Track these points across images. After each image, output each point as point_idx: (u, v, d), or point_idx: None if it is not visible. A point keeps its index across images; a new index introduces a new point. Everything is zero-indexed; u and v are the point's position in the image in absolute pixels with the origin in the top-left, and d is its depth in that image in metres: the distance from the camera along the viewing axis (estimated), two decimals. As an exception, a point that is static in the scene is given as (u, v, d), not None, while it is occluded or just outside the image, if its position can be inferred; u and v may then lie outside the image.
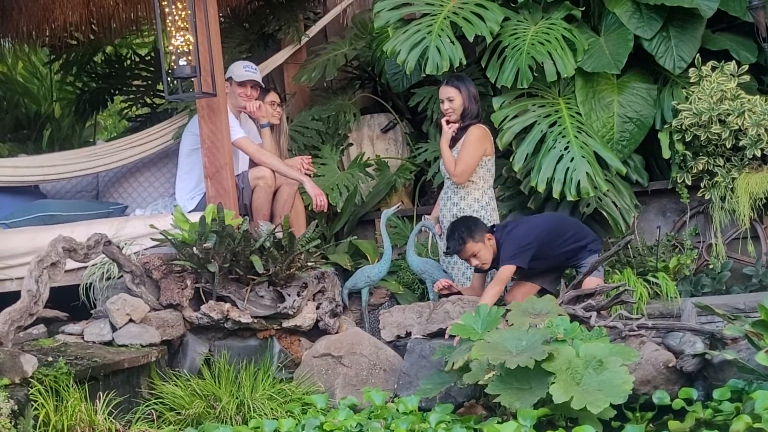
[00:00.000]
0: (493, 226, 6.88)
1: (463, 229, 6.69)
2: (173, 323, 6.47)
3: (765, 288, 7.20)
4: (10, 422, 4.39)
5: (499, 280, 6.60)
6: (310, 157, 7.96)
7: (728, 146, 7.36)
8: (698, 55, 7.58)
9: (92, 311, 6.50)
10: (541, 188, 7.31)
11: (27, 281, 5.55)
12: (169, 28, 6.74)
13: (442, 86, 7.34)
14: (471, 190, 7.18)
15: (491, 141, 7.31)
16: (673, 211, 7.82)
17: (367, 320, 7.31)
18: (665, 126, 7.58)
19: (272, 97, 8.02)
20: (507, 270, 6.62)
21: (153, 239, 6.84)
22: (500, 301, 6.64)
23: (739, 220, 7.34)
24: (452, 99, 7.23)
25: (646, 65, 7.77)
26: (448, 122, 7.25)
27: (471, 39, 7.58)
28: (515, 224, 6.87)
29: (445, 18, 7.68)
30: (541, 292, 6.80)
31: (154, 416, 5.76)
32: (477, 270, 6.92)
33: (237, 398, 5.99)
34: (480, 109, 7.32)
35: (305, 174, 7.58)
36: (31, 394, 4.83)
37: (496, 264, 6.77)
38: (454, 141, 7.25)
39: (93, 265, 6.75)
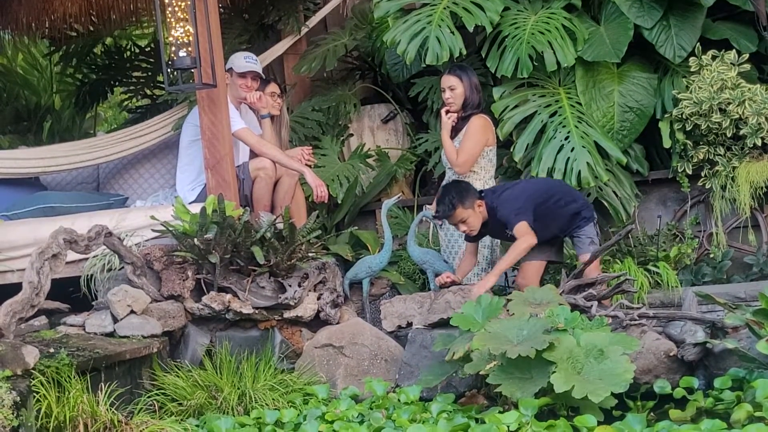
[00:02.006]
0: (482, 191, 6.86)
1: (454, 194, 6.66)
2: (174, 314, 6.47)
3: (766, 277, 7.20)
4: (13, 413, 4.40)
5: (523, 237, 6.54)
6: (310, 147, 7.95)
7: (729, 135, 7.36)
8: (698, 44, 7.57)
9: (93, 303, 6.51)
10: (542, 178, 7.32)
11: (28, 273, 5.55)
12: (168, 19, 6.73)
13: (444, 75, 7.35)
14: (472, 180, 7.17)
15: (493, 131, 7.31)
16: (674, 201, 7.82)
17: (368, 310, 7.32)
18: (666, 115, 7.58)
19: (272, 88, 8.01)
20: (523, 226, 6.56)
21: (154, 230, 6.84)
22: (500, 291, 6.64)
23: (740, 209, 7.34)
24: (454, 88, 7.23)
25: (647, 54, 7.77)
26: (447, 112, 7.25)
27: (471, 29, 7.59)
28: (505, 187, 6.87)
29: (444, 8, 7.68)
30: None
31: (156, 407, 5.76)
32: (468, 239, 6.92)
33: (238, 389, 5.99)
34: (482, 99, 7.32)
35: (306, 165, 7.57)
36: (33, 385, 4.82)
37: (486, 231, 6.79)
38: (455, 131, 7.25)
39: (94, 257, 6.76)
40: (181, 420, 5.65)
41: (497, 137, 7.44)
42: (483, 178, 7.21)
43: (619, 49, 7.55)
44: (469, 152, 7.13)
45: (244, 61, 7.74)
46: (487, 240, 7.20)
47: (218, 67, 7.05)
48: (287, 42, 8.98)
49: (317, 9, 9.20)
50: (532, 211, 6.63)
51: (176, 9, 6.74)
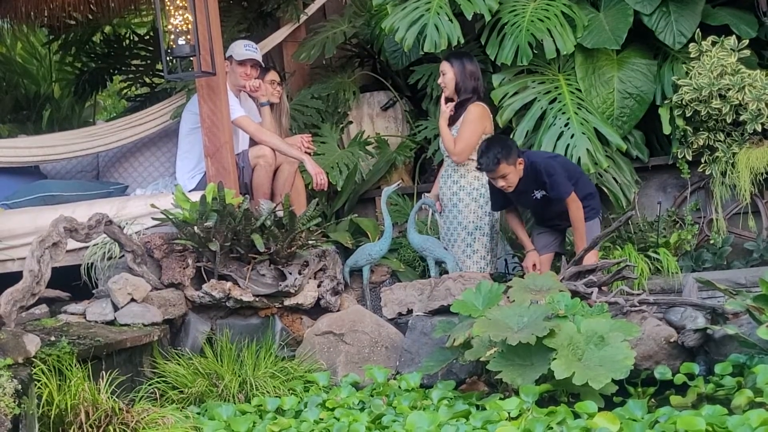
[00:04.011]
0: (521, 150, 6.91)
1: (500, 149, 6.66)
2: (175, 302, 6.48)
3: (766, 263, 7.21)
4: (14, 401, 4.39)
5: (576, 205, 6.73)
6: (310, 135, 7.95)
7: (729, 121, 7.36)
8: (698, 30, 7.56)
9: (94, 291, 6.51)
10: (542, 165, 7.31)
11: (29, 261, 5.55)
12: (167, 7, 6.72)
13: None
14: (471, 168, 7.17)
15: (491, 119, 7.30)
16: (674, 187, 7.82)
17: (368, 298, 7.32)
18: (665, 101, 7.57)
19: (272, 75, 8.00)
20: (574, 195, 6.73)
21: (154, 219, 6.84)
22: (500, 277, 6.64)
23: (740, 195, 7.34)
24: (445, 73, 7.26)
25: (646, 41, 7.76)
26: (446, 101, 7.26)
27: (469, 17, 7.57)
28: (543, 154, 7.03)
29: (443, -5, 7.68)
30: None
31: (157, 395, 5.77)
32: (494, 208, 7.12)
33: (239, 376, 6.00)
34: (479, 86, 7.29)
35: (305, 152, 7.57)
36: (35, 373, 4.82)
37: (511, 193, 6.85)
38: (453, 119, 7.25)
39: (94, 245, 6.75)
40: (182, 408, 5.66)
41: (497, 124, 7.43)
42: (482, 166, 7.20)
43: (619, 35, 7.54)
44: (467, 141, 7.13)
45: (243, 49, 7.73)
46: (486, 228, 7.21)
47: (217, 55, 7.04)
48: (286, 30, 8.97)
49: (316, -4, 9.19)
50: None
51: (175, -3, 6.74)
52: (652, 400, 5.41)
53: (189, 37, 6.73)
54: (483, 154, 6.73)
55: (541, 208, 6.95)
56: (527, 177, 6.76)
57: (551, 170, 6.71)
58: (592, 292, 6.20)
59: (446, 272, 7.00)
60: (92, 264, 6.76)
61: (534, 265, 6.99)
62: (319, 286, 6.83)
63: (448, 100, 7.28)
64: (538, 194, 6.79)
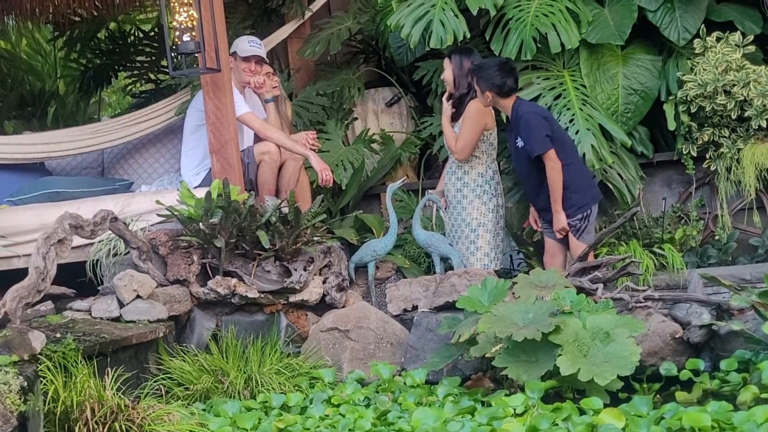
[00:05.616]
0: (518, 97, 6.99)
1: (484, 70, 6.90)
2: (180, 299, 6.48)
3: (771, 258, 7.22)
4: (20, 399, 4.40)
5: (552, 165, 6.71)
6: (314, 132, 7.95)
7: (733, 117, 7.35)
8: (703, 26, 7.55)
9: (99, 288, 6.52)
10: (547, 161, 7.30)
11: (34, 258, 5.55)
12: (172, 4, 6.72)
13: None
14: (475, 164, 7.17)
15: (491, 114, 7.28)
16: (679, 183, 7.82)
17: (373, 294, 7.32)
18: (670, 97, 7.56)
19: (266, 68, 7.98)
20: (552, 153, 6.69)
21: (159, 215, 6.85)
22: (505, 273, 6.63)
23: (745, 191, 7.34)
24: (444, 70, 7.25)
25: (651, 36, 7.75)
26: (449, 97, 7.25)
27: (474, 12, 7.56)
28: (526, 106, 6.98)
29: (448, -9, 7.67)
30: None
31: (163, 391, 5.77)
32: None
33: (245, 373, 6.00)
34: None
35: (310, 149, 7.57)
36: (40, 370, 4.83)
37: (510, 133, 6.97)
38: (456, 116, 7.23)
39: (100, 242, 6.76)
40: (188, 404, 5.67)
41: (503, 120, 7.42)
42: (485, 162, 7.19)
43: (623, 31, 7.53)
44: (466, 138, 7.10)
45: (247, 45, 7.73)
46: (490, 225, 7.19)
47: (222, 52, 7.04)
48: (291, 26, 8.96)
49: (321, -8, 9.19)
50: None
51: (180, -7, 6.73)
52: (658, 396, 5.41)
53: (194, 33, 6.73)
54: (487, 63, 6.98)
55: (522, 167, 6.98)
56: (512, 120, 6.91)
57: (530, 123, 6.75)
58: (597, 288, 6.20)
59: (451, 268, 7.00)
60: (97, 261, 6.77)
61: (535, 221, 7.14)
62: (324, 282, 6.84)
63: (451, 96, 7.27)
64: (519, 143, 6.84)
